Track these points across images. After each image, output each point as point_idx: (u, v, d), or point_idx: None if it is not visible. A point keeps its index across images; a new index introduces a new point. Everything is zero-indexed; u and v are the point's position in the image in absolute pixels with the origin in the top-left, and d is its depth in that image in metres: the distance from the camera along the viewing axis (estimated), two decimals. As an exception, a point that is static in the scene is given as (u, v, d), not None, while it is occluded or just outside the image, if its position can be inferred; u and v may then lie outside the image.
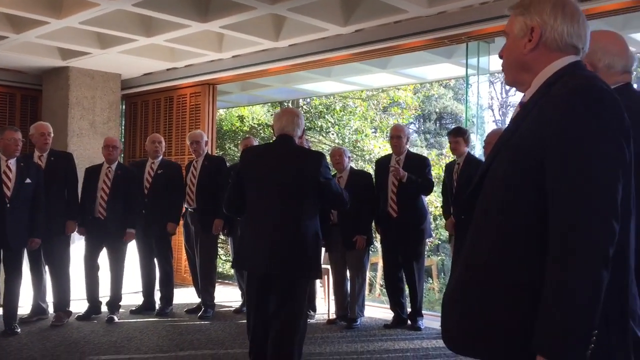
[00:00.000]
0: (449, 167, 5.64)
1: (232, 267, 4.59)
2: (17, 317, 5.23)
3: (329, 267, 6.02)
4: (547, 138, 1.36)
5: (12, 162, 5.07)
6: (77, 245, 5.98)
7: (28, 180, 5.09)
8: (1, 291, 5.18)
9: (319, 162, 3.61)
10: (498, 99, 18.40)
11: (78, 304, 5.86)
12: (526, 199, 1.40)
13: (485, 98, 7.32)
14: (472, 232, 1.51)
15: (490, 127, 12.56)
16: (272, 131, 15.12)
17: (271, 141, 3.91)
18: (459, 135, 5.39)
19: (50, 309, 5.75)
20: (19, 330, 5.14)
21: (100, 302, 5.91)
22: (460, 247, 1.65)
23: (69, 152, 6.24)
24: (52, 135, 5.76)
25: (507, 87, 18.58)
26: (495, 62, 7.08)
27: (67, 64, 8.04)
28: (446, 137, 6.29)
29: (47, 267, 5.64)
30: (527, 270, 1.37)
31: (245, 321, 3.98)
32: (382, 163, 5.76)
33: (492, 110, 17.40)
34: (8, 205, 4.96)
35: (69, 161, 5.78)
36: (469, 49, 6.24)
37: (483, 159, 5.31)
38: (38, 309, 5.70)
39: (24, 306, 5.57)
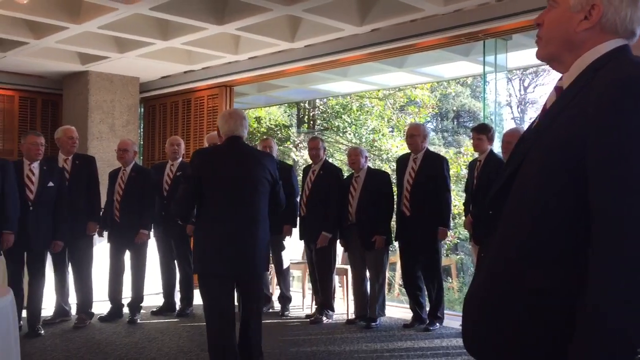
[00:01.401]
0: (471, 165, 5.60)
1: (194, 271, 4.00)
2: (40, 319, 5.31)
3: (348, 266, 6.03)
4: (588, 137, 1.19)
5: (35, 166, 5.15)
6: (99, 247, 6.05)
7: (51, 184, 5.16)
8: (25, 293, 5.24)
9: (273, 162, 3.86)
10: (516, 96, 18.25)
11: (100, 306, 5.93)
12: (563, 205, 1.24)
13: (504, 95, 7.26)
14: (500, 234, 1.39)
15: (508, 124, 12.46)
16: (289, 132, 15.03)
17: (219, 143, 3.92)
18: (482, 132, 5.33)
19: (73, 311, 5.83)
20: (42, 331, 5.21)
21: (123, 304, 5.97)
22: (482, 248, 1.54)
23: (92, 155, 6.29)
24: (78, 138, 5.85)
25: (526, 84, 18.43)
26: (513, 59, 7.02)
27: (87, 69, 8.14)
28: (464, 135, 6.24)
29: (70, 269, 5.73)
30: (557, 279, 1.25)
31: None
32: (401, 161, 5.74)
33: (511, 107, 17.25)
34: (31, 208, 5.03)
35: (92, 164, 5.86)
36: (486, 47, 6.20)
37: (502, 157, 5.27)
38: (61, 311, 5.78)
39: (47, 308, 5.65)
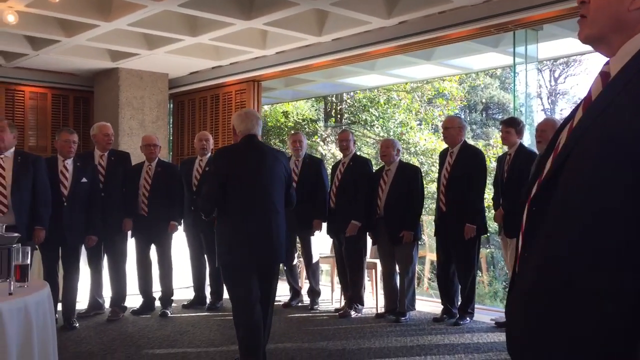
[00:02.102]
0: (500, 159, 5.52)
1: (220, 263, 3.95)
2: (75, 312, 5.42)
3: (377, 260, 6.01)
4: None
5: (69, 162, 5.25)
6: (130, 242, 6.14)
7: (84, 180, 5.25)
8: (60, 287, 5.36)
9: (286, 159, 4.11)
10: (547, 87, 17.95)
11: (132, 299, 6.03)
12: (621, 199, 1.14)
13: (534, 87, 7.14)
14: (547, 232, 1.30)
15: (539, 116, 12.27)
16: (316, 126, 15.03)
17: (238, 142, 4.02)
18: (510, 125, 5.25)
19: (106, 304, 5.94)
20: (77, 324, 5.32)
21: (154, 298, 6.06)
22: (525, 246, 1.43)
23: (127, 152, 6.36)
24: (113, 135, 5.93)
25: (556, 75, 18.10)
26: (543, 50, 6.90)
27: (117, 66, 8.25)
28: (493, 128, 6.15)
29: (105, 263, 5.83)
30: (617, 279, 1.15)
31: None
32: (442, 156, 5.68)
33: (541, 99, 16.97)
34: (65, 204, 5.13)
35: (127, 160, 5.95)
36: (517, 37, 6.11)
37: (535, 148, 5.18)
38: (95, 304, 5.89)
39: (81, 301, 5.76)
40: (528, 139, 5.97)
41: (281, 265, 7.26)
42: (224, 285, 4.18)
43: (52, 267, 5.21)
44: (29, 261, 2.88)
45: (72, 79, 8.94)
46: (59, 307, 5.39)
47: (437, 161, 5.89)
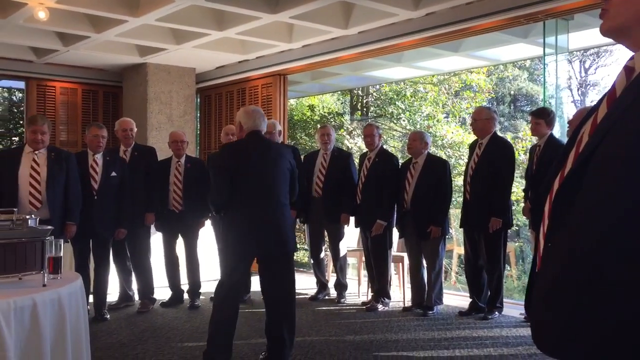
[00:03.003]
0: (531, 150, 5.44)
1: (222, 252, 4.18)
2: (106, 304, 5.51)
3: (404, 254, 5.99)
4: None
5: (99, 157, 5.33)
6: (157, 236, 6.22)
7: (113, 174, 5.33)
8: (91, 280, 5.46)
9: (290, 153, 4.22)
10: (577, 78, 17.62)
11: (161, 292, 6.11)
12: None
13: (564, 78, 7.01)
14: (573, 225, 1.31)
15: (569, 107, 12.07)
16: (342, 119, 14.99)
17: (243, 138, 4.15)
18: (540, 116, 5.17)
19: (137, 296, 6.03)
20: (108, 316, 5.41)
21: (182, 290, 6.13)
22: (549, 239, 1.43)
23: (151, 146, 6.41)
24: (134, 130, 5.99)
25: (587, 66, 17.75)
26: (574, 40, 6.77)
27: (145, 61, 8.34)
28: (521, 120, 6.07)
29: (129, 257, 5.92)
30: None
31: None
32: (472, 147, 5.62)
33: (571, 90, 16.68)
34: (96, 197, 5.21)
35: (152, 155, 6.00)
36: (547, 27, 6.00)
37: (565, 139, 5.10)
38: (125, 296, 5.99)
39: (112, 293, 5.86)
40: (558, 130, 5.87)
41: (310, 259, 7.30)
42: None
43: (84, 259, 5.31)
44: (61, 253, 2.94)
45: (101, 75, 9.07)
46: (90, 298, 5.49)
47: (464, 155, 5.83)
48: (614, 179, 1.21)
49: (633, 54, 1.27)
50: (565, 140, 5.09)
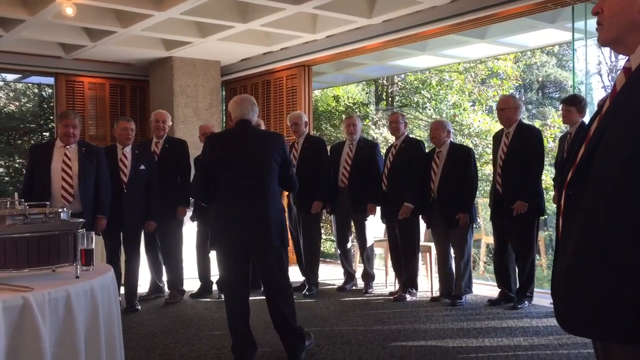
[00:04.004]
0: (562, 139, 5.34)
1: (211, 247, 4.20)
2: (137, 295, 5.60)
3: (431, 244, 5.96)
4: None
5: (128, 150, 5.40)
6: (188, 228, 6.28)
7: (142, 167, 5.39)
8: (122, 271, 5.54)
9: (282, 144, 3.94)
10: (607, 63, 17.23)
11: (191, 283, 6.18)
12: None
13: (593, 63, 6.88)
14: (585, 213, 1.41)
15: (598, 93, 11.82)
16: (367, 109, 14.91)
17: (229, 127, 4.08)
18: (571, 104, 5.07)
19: (165, 288, 6.11)
20: (139, 307, 5.50)
21: (212, 282, 6.20)
22: (565, 228, 1.53)
23: (183, 139, 6.39)
24: (167, 123, 6.02)
25: (617, 50, 17.34)
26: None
27: (171, 54, 8.41)
28: (550, 107, 5.97)
29: (160, 249, 5.99)
30: None
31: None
32: (496, 138, 5.56)
33: (600, 75, 16.31)
34: (125, 190, 5.29)
35: (183, 148, 6.02)
36: (575, 12, 5.88)
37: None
38: (155, 287, 6.08)
39: (142, 285, 5.94)
40: (589, 117, 5.77)
41: (337, 250, 7.31)
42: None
43: (114, 251, 5.39)
44: (93, 246, 2.99)
45: (128, 69, 9.17)
46: (121, 290, 5.58)
47: (492, 143, 5.76)
48: (617, 168, 1.34)
49: (628, 57, 1.47)
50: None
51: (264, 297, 6.02)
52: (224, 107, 9.76)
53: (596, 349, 1.49)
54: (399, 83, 14.96)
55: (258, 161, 3.83)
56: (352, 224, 6.38)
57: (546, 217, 12.64)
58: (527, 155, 5.18)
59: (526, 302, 5.34)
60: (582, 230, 1.40)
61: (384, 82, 14.99)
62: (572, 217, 1.43)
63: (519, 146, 5.21)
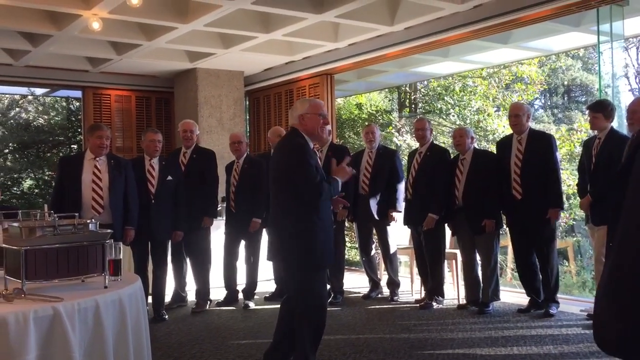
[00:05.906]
0: (587, 143, 5.26)
1: (316, 265, 3.81)
2: (164, 305, 5.65)
3: (457, 251, 5.91)
4: None
5: (155, 161, 5.46)
6: (214, 237, 6.32)
7: (169, 178, 5.45)
8: (150, 281, 5.60)
9: (287, 152, 3.66)
10: (634, 66, 16.95)
11: (216, 292, 6.22)
12: None
13: (620, 66, 6.77)
14: (622, 222, 1.33)
15: (626, 97, 11.63)
16: (390, 117, 14.81)
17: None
18: (598, 110, 4.96)
19: (189, 297, 6.14)
20: (166, 316, 5.55)
21: (237, 291, 6.22)
22: (609, 237, 1.46)
23: (211, 150, 6.32)
24: (195, 132, 6.05)
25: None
26: (630, 26, 6.52)
27: (195, 66, 8.51)
28: (576, 111, 5.89)
29: (188, 259, 6.03)
30: None
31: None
32: (503, 144, 5.53)
33: (627, 78, 16.05)
34: (153, 201, 5.35)
35: (210, 158, 6.04)
36: (600, 14, 5.80)
37: (625, 130, 4.91)
38: (178, 297, 6.13)
39: (166, 294, 5.98)
40: (616, 121, 5.67)
41: (360, 257, 7.28)
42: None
43: (142, 261, 5.44)
44: (121, 256, 3.03)
45: (153, 81, 9.30)
46: (149, 299, 5.63)
47: (497, 149, 5.74)
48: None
49: None
50: (624, 131, 4.91)
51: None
52: (248, 117, 9.84)
53: None
54: (422, 90, 14.90)
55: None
56: (374, 231, 6.37)
57: (573, 223, 12.46)
58: (546, 160, 5.17)
59: (555, 308, 5.28)
60: (617, 243, 1.36)
61: (407, 89, 14.95)
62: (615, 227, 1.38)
63: (537, 151, 5.18)
